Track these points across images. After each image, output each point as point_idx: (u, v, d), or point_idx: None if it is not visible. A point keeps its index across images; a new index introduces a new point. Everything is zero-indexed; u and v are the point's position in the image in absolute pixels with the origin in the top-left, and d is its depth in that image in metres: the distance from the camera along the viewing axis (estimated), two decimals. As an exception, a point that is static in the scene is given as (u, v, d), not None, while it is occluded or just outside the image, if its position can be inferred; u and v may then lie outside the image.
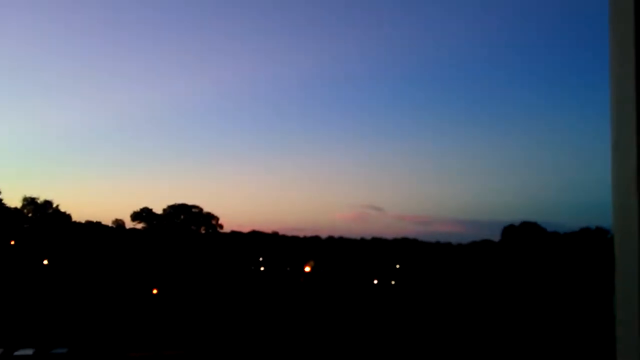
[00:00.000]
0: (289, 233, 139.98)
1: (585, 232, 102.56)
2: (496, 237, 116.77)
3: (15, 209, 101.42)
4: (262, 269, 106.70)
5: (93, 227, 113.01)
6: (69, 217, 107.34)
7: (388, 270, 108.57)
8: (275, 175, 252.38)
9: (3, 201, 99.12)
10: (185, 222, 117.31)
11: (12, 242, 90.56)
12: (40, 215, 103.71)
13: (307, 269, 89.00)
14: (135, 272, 78.85)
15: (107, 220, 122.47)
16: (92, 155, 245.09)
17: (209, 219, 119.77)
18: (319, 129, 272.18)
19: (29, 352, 32.84)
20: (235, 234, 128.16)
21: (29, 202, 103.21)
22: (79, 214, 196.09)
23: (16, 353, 32.58)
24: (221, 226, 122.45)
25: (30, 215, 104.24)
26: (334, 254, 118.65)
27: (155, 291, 60.71)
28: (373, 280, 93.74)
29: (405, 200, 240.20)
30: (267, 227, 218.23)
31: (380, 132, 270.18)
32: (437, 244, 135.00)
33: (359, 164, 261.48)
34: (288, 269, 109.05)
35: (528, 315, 56.85)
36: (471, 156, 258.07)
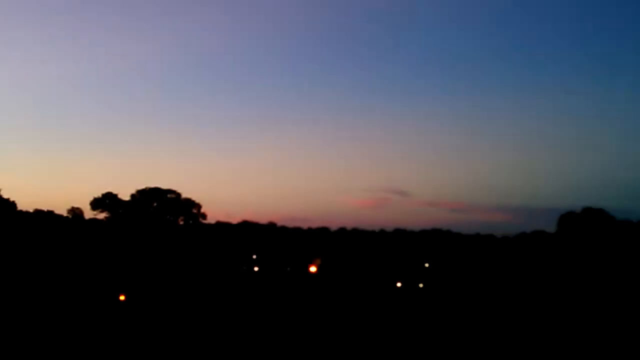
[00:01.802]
0: (290, 224, 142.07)
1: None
2: (551, 227, 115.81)
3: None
4: (255, 269, 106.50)
5: (43, 217, 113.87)
6: (13, 204, 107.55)
7: (415, 269, 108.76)
8: (271, 152, 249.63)
9: None
10: (159, 210, 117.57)
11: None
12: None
13: (313, 269, 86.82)
14: (97, 273, 79.05)
15: (61, 209, 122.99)
16: (43, 132, 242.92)
17: (189, 207, 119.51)
18: (326, 94, 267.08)
19: None
20: (221, 226, 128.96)
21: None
22: (27, 202, 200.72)
23: None
24: (204, 215, 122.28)
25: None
26: (346, 250, 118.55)
27: (122, 297, 60.44)
28: (396, 283, 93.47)
29: (437, 183, 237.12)
30: (262, 216, 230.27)
31: (405, 98, 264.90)
32: (477, 236, 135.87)
33: (377, 138, 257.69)
34: (288, 269, 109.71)
35: (594, 326, 55.23)
36: (519, 128, 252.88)
